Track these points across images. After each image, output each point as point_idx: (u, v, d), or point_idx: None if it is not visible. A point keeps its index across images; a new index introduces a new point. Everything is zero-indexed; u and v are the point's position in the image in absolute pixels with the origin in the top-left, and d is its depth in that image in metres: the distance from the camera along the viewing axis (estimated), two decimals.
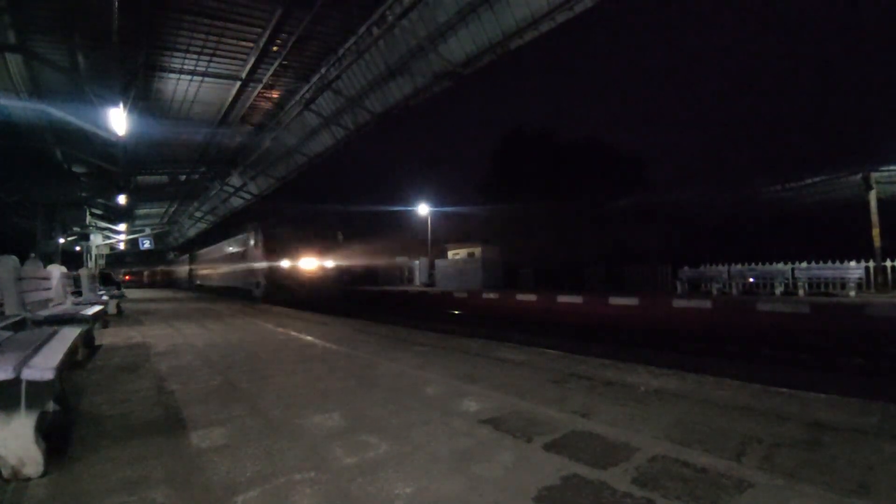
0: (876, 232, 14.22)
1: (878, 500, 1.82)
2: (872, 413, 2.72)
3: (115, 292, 13.21)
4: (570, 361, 4.57)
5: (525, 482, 2.06)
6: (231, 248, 25.99)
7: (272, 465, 2.32)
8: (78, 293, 9.29)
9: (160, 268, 53.28)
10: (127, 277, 49.86)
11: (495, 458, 2.33)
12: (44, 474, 2.26)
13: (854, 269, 13.21)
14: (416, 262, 31.00)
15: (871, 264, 13.61)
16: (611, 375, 3.94)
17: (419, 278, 30.22)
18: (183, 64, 13.67)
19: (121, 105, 12.48)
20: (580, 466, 2.21)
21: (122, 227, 34.38)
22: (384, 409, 3.20)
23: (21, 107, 13.35)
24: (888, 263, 13.58)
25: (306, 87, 15.17)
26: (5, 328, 3.84)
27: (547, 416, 2.95)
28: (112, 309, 10.96)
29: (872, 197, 14.48)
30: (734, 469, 2.12)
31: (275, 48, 13.08)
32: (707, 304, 12.56)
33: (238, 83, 15.01)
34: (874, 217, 14.41)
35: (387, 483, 2.10)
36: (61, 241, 24.09)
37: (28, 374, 2.14)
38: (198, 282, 36.41)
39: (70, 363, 4.24)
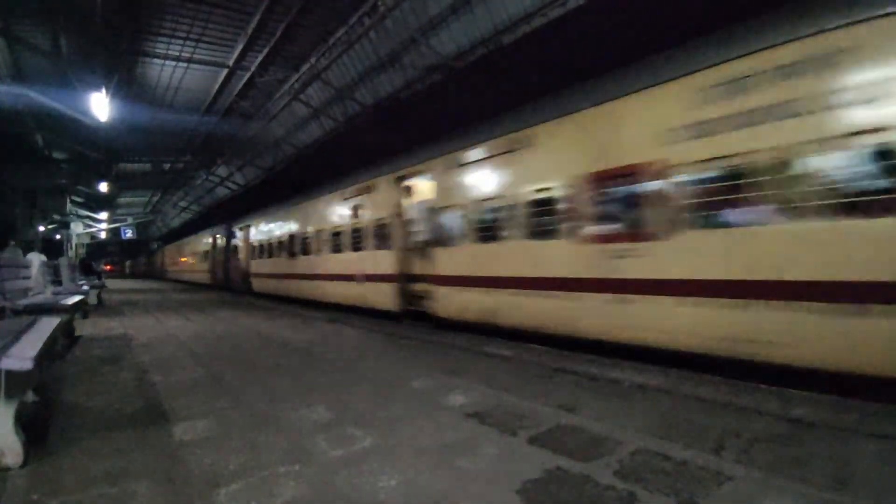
0: None
1: (854, 495, 1.88)
2: (850, 411, 2.80)
3: (96, 282, 12.97)
4: (556, 357, 4.61)
5: (509, 475, 2.08)
6: None
7: (256, 458, 2.31)
8: (58, 282, 9.10)
9: (143, 258, 51.87)
10: (108, 267, 48.89)
11: (480, 452, 2.35)
12: (24, 465, 2.24)
13: None
14: None
15: None
16: (596, 371, 3.99)
17: None
18: (168, 49, 13.38)
19: (104, 90, 12.20)
20: (564, 460, 2.23)
21: (103, 215, 33.80)
22: (370, 403, 3.19)
23: (2, 91, 12.98)
24: None
25: (296, 77, 14.95)
26: None
27: (532, 411, 2.98)
28: (93, 299, 10.76)
29: None
30: (713, 463, 2.17)
31: (263, 36, 12.87)
32: None
33: (225, 71, 14.74)
34: None
35: (371, 476, 2.10)
36: (41, 228, 23.60)
37: (7, 363, 2.11)
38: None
39: (50, 354, 4.17)
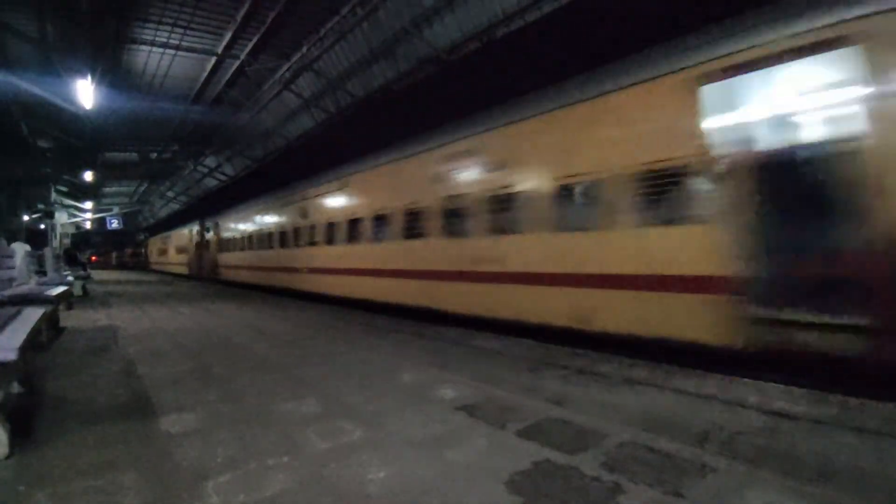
0: None
1: (835, 487, 1.92)
2: (831, 405, 2.86)
3: (81, 273, 12.79)
4: (545, 350, 4.64)
5: (498, 467, 2.11)
6: None
7: (244, 451, 2.30)
8: (42, 273, 8.95)
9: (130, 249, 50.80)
10: (94, 258, 48.04)
11: (469, 444, 2.37)
12: (9, 456, 2.21)
13: None
14: None
15: None
16: (584, 364, 4.03)
17: None
18: (155, 36, 13.12)
19: (89, 77, 11.95)
20: (552, 452, 2.26)
21: (88, 205, 33.23)
22: (359, 396, 3.20)
23: None
24: None
25: (286, 67, 14.76)
26: None
27: (521, 404, 3.00)
28: (78, 290, 10.61)
29: None
30: (697, 455, 2.21)
31: (253, 23, 12.67)
32: None
33: (214, 59, 14.51)
34: None
35: (360, 468, 2.11)
36: (25, 218, 23.18)
37: None
38: None
39: (34, 345, 4.11)
